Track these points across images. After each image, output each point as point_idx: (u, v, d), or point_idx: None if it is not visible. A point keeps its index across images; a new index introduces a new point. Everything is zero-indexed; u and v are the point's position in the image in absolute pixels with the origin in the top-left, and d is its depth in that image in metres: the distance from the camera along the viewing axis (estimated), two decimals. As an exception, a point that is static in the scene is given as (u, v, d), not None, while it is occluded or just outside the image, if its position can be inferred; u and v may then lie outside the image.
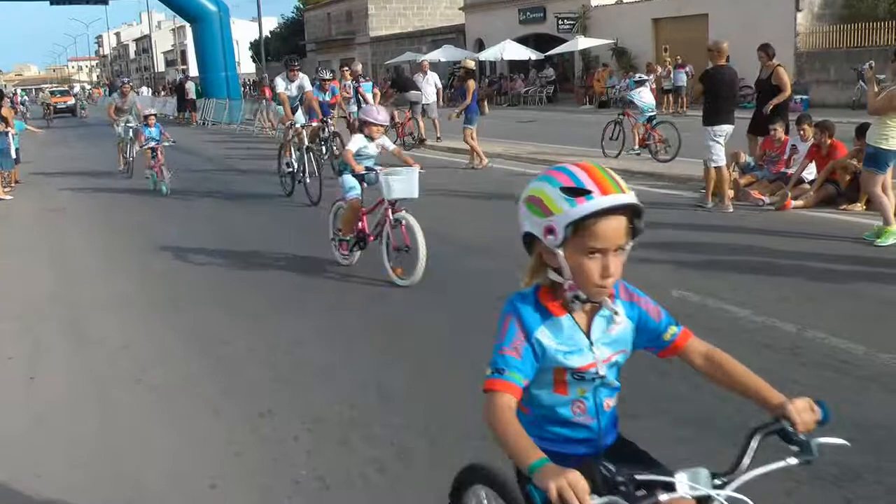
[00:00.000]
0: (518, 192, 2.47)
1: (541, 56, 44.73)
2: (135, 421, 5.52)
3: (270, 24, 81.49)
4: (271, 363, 6.42)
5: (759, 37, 32.92)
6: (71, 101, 62.91)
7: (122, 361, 6.66)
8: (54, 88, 75.50)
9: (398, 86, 22.74)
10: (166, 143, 16.56)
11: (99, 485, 4.68)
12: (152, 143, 16.39)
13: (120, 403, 5.83)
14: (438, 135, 23.19)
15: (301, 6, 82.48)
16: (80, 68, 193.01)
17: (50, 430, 5.46)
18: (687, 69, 34.24)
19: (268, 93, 32.47)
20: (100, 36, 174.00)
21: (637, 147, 18.40)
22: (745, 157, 13.37)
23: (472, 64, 19.79)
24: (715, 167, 11.97)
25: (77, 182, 19.09)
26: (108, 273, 9.96)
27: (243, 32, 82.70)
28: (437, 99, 23.33)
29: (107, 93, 71.66)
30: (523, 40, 47.12)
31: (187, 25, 52.21)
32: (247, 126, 34.68)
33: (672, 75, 34.33)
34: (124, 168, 19.98)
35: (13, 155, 17.88)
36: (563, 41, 43.16)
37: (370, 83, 22.23)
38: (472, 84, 18.16)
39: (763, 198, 12.18)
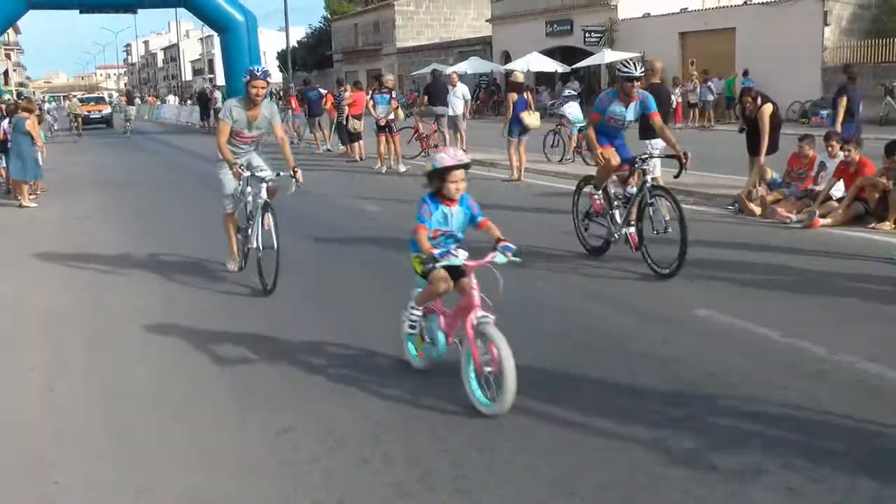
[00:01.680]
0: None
1: (567, 69, 44.66)
2: (151, 435, 5.47)
3: (298, 33, 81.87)
4: (291, 378, 6.36)
5: (786, 50, 32.94)
6: (107, 109, 55.68)
7: (140, 375, 6.63)
8: (85, 95, 66.21)
9: (432, 92, 22.58)
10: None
11: (115, 499, 4.64)
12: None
13: (138, 417, 5.78)
14: (464, 147, 23.08)
15: (329, 16, 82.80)
16: (109, 76, 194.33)
17: (68, 442, 5.43)
18: (711, 83, 34.04)
19: (294, 102, 32.67)
20: (128, 44, 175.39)
21: (571, 154, 20.85)
22: (772, 174, 13.22)
23: (521, 77, 19.67)
24: None
25: (103, 191, 19.16)
26: (129, 284, 9.95)
27: (271, 42, 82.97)
28: (465, 111, 23.26)
29: (119, 107, 64.24)
30: (550, 53, 47.17)
31: (215, 35, 52.42)
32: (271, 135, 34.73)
33: (698, 89, 34.12)
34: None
35: (41, 163, 17.97)
36: (590, 54, 43.08)
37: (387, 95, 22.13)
38: (513, 96, 18.11)
39: (790, 215, 12.03)
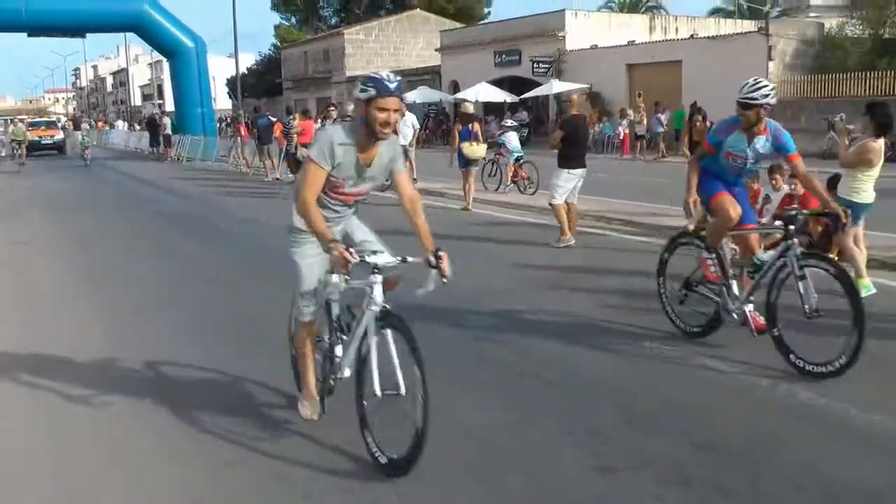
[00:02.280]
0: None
1: (515, 98, 44.99)
2: (87, 475, 5.38)
3: (247, 60, 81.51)
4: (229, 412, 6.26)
5: (732, 84, 33.40)
6: (59, 134, 50.45)
7: (80, 412, 6.51)
8: (35, 119, 61.12)
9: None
10: None
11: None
12: None
13: (77, 456, 5.69)
14: (415, 176, 23.18)
15: (278, 44, 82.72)
16: (57, 100, 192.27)
17: (7, 483, 5.33)
18: (662, 115, 34.35)
19: (243, 130, 32.55)
20: (77, 68, 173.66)
21: (509, 183, 20.98)
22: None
23: (470, 108, 20.01)
24: (555, 204, 13.30)
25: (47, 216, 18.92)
26: (77, 315, 9.76)
27: (220, 68, 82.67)
28: (413, 140, 23.43)
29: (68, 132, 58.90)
30: (498, 83, 47.44)
31: (164, 60, 52.14)
32: (220, 162, 34.65)
33: (645, 121, 34.41)
34: None
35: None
36: (538, 84, 43.45)
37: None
38: (457, 127, 18.81)
39: (735, 247, 12.13)
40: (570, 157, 13.28)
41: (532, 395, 6.43)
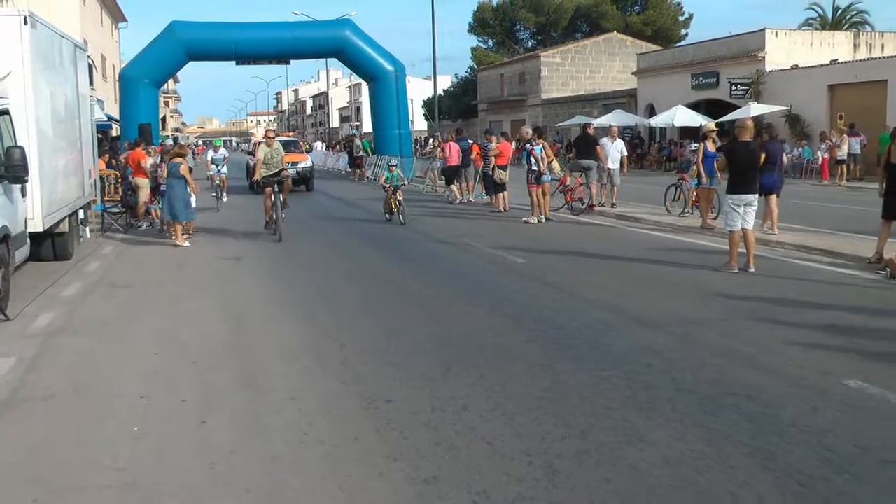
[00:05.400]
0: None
1: (712, 122, 44.06)
2: (300, 474, 5.56)
3: (444, 82, 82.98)
4: (435, 427, 6.38)
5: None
6: (307, 161, 35.43)
7: (289, 413, 6.80)
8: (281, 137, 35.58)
9: (580, 146, 22.85)
10: None
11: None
12: None
13: (286, 455, 5.91)
14: (614, 201, 23.15)
15: (475, 66, 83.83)
16: (259, 122, 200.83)
17: (218, 474, 5.59)
18: (861, 138, 33.03)
19: (448, 150, 32.92)
20: (279, 92, 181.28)
21: (689, 209, 20.58)
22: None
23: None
24: (729, 231, 13.31)
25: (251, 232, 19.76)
26: (278, 323, 10.22)
27: (417, 90, 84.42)
28: (621, 166, 23.45)
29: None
30: (695, 106, 46.58)
31: (362, 83, 53.53)
32: (416, 184, 35.30)
33: (846, 145, 33.16)
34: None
35: (193, 205, 18.74)
36: (736, 107, 42.41)
37: (540, 146, 22.17)
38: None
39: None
40: (734, 182, 13.26)
41: (729, 427, 6.29)
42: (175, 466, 5.75)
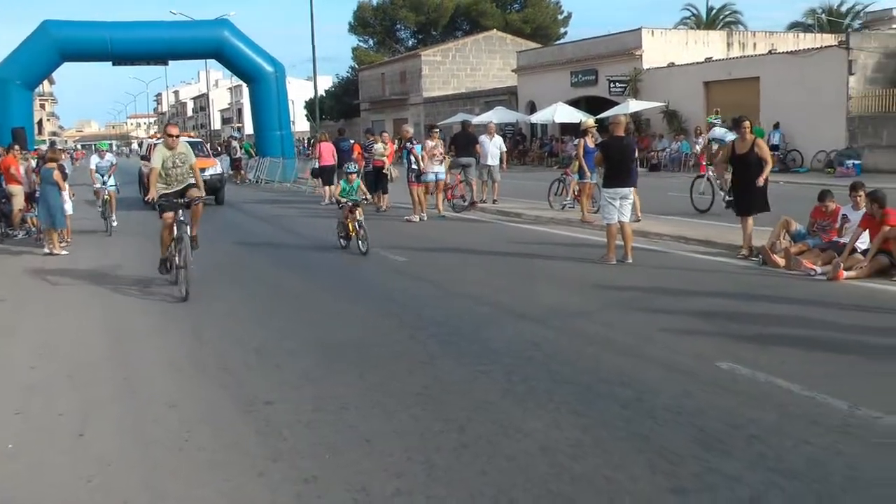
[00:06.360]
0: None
1: (592, 118, 44.81)
2: (180, 482, 5.55)
3: (325, 83, 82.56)
4: (315, 427, 6.43)
5: (811, 100, 33.05)
6: (215, 167, 30.56)
7: (169, 421, 6.73)
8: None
9: (459, 143, 22.92)
10: None
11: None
12: None
13: (166, 464, 5.87)
14: (496, 197, 23.44)
15: (356, 66, 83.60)
16: (139, 125, 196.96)
17: (96, 488, 5.52)
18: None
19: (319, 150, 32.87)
20: (159, 94, 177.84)
21: (569, 200, 21.31)
22: (797, 226, 13.24)
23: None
24: (607, 224, 13.58)
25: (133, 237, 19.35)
26: (159, 333, 10.07)
27: (299, 91, 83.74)
28: (501, 162, 23.73)
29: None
30: (575, 103, 47.39)
31: (244, 84, 52.99)
32: (299, 185, 35.16)
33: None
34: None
35: (70, 212, 18.33)
36: (615, 104, 43.26)
37: (420, 145, 22.26)
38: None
39: (815, 267, 11.98)
40: (611, 176, 13.73)
41: (605, 414, 6.47)
42: (52, 482, 5.67)
